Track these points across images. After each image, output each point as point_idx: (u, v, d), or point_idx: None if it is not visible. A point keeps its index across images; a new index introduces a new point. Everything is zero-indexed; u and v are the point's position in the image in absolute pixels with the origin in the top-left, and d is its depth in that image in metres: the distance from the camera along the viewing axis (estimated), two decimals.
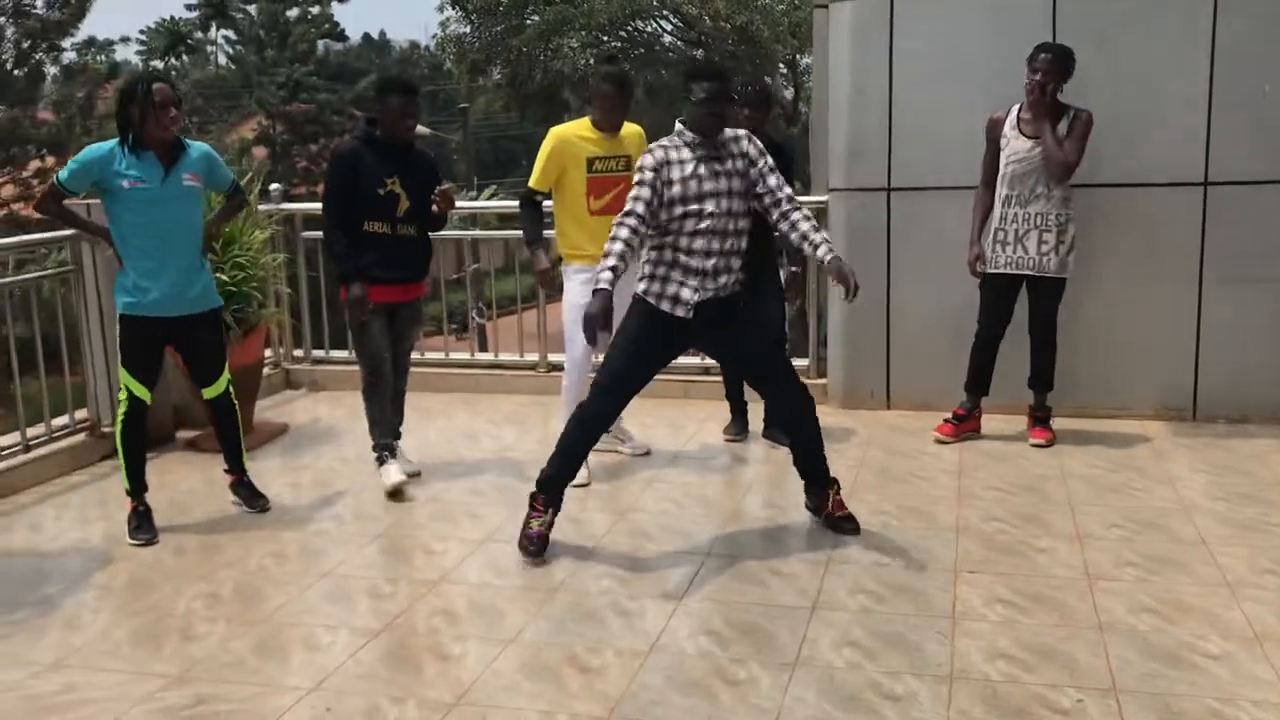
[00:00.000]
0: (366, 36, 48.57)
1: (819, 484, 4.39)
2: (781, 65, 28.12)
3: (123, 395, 4.50)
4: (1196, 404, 5.71)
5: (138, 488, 4.56)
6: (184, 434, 5.84)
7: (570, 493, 4.83)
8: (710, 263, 4.05)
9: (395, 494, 4.86)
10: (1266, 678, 3.16)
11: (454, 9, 28.97)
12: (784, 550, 4.19)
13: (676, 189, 4.00)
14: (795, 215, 4.11)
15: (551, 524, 4.20)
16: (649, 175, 4.00)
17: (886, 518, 4.49)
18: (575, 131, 5.09)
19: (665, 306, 4.08)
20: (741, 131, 4.19)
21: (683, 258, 4.05)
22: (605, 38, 28.86)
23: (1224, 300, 5.60)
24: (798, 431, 4.37)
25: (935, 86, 5.68)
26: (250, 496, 4.79)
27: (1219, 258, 5.58)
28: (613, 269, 3.89)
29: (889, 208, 5.87)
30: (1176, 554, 4.04)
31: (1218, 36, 5.42)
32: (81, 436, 5.54)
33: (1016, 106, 5.26)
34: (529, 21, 27.70)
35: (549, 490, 4.22)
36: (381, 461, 5.00)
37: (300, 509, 4.83)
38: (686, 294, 4.05)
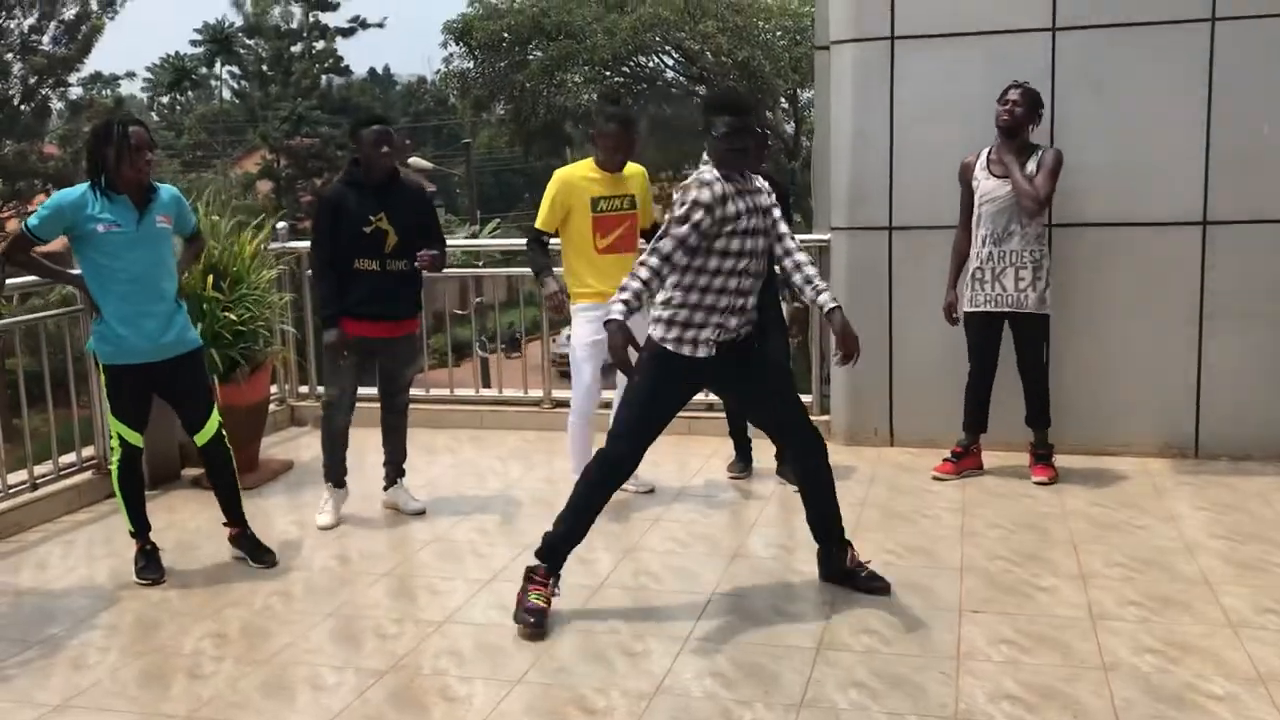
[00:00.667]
0: (371, 71, 48.94)
1: (836, 542, 4.17)
2: (783, 100, 28.34)
3: (115, 442, 4.47)
4: (1198, 442, 5.73)
5: (141, 528, 4.56)
6: (190, 471, 5.87)
7: (474, 526, 4.90)
8: (738, 302, 3.93)
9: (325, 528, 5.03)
10: (1270, 719, 3.17)
11: (458, 45, 29.24)
12: (789, 590, 4.21)
13: (725, 228, 3.82)
14: (799, 255, 4.04)
15: (552, 596, 3.94)
16: (700, 216, 3.78)
17: (891, 556, 4.50)
18: (579, 173, 5.15)
19: (686, 350, 3.91)
20: (758, 179, 4.07)
21: (710, 298, 3.88)
22: (608, 73, 29.11)
23: (1225, 338, 5.64)
24: (813, 479, 4.15)
25: (935, 129, 5.75)
26: (254, 550, 4.64)
27: (1219, 296, 5.62)
28: (625, 303, 3.75)
29: (890, 246, 5.92)
30: (1179, 594, 4.06)
31: (1215, 78, 5.49)
32: (89, 474, 5.58)
33: (987, 149, 5.35)
34: (532, 57, 27.95)
35: (554, 557, 3.98)
36: (329, 486, 5.15)
37: (306, 547, 4.85)
38: (707, 334, 3.91)
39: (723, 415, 5.85)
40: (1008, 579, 4.23)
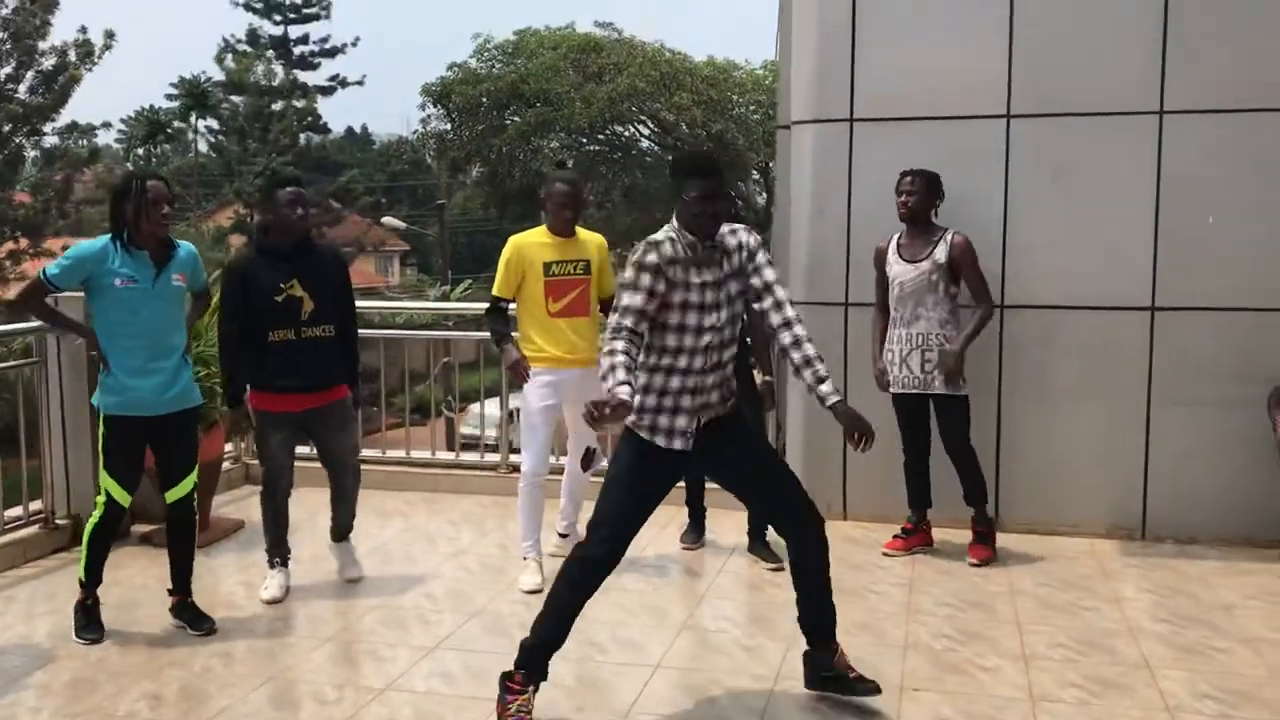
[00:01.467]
0: (349, 130, 49.28)
1: (828, 636, 3.85)
2: (755, 172, 28.76)
3: (100, 499, 4.40)
4: (1145, 524, 5.80)
5: (93, 581, 4.49)
6: (139, 528, 5.81)
7: (521, 598, 4.87)
8: (709, 379, 3.64)
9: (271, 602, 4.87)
10: None
11: (436, 107, 29.52)
12: (733, 664, 4.21)
13: (677, 296, 3.56)
14: (799, 329, 3.69)
15: (532, 704, 3.64)
16: (647, 280, 3.53)
17: (837, 632, 4.50)
18: (532, 238, 5.21)
19: (660, 441, 3.62)
20: (740, 225, 3.81)
21: (677, 380, 3.60)
22: (584, 140, 29.46)
23: (1172, 422, 5.73)
24: (812, 559, 3.81)
25: (892, 209, 5.84)
26: (195, 619, 4.54)
27: (1166, 380, 5.73)
28: (625, 383, 3.43)
29: (846, 321, 6.01)
30: (1119, 676, 4.09)
31: (1163, 169, 5.65)
32: (35, 529, 5.51)
33: (897, 235, 5.50)
34: (509, 122, 28.26)
35: (533, 663, 3.68)
36: (271, 566, 4.98)
37: (252, 609, 4.81)
38: (683, 422, 3.61)
39: (680, 485, 5.86)
40: (951, 658, 4.25)
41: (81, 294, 4.46)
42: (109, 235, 4.34)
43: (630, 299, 3.55)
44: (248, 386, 4.86)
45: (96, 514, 4.43)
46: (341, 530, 5.20)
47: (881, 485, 5.98)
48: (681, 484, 5.82)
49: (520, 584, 5.02)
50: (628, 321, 3.53)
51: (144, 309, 4.31)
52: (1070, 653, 4.31)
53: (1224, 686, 3.99)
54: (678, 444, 3.62)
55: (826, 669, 3.83)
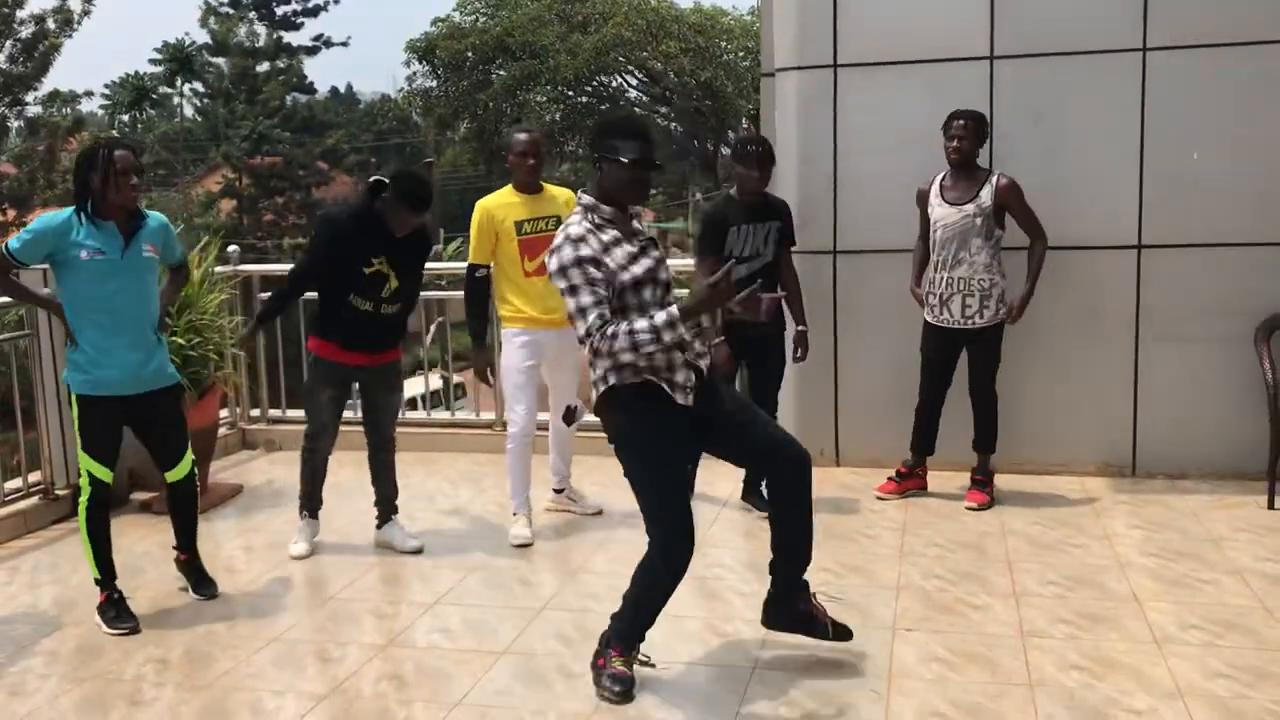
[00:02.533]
0: (334, 90, 48.88)
1: (796, 584, 3.73)
2: (744, 120, 28.58)
3: (84, 481, 4.28)
4: (1135, 461, 5.86)
5: (107, 576, 4.32)
6: (138, 496, 5.87)
7: (518, 552, 4.93)
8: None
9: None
10: None
11: (421, 64, 29.27)
12: (728, 610, 4.27)
13: (627, 276, 3.41)
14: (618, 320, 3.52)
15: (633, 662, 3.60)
16: (592, 272, 3.35)
17: (829, 575, 4.58)
18: (499, 200, 5.21)
19: (679, 397, 3.47)
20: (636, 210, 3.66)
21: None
22: (571, 93, 29.24)
23: (1160, 359, 5.78)
24: (794, 504, 3.68)
25: (878, 155, 5.87)
26: (199, 582, 4.55)
27: (1154, 318, 5.76)
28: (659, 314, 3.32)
29: (835, 270, 6.03)
30: (1108, 611, 4.16)
31: (1146, 108, 5.64)
32: (35, 500, 5.56)
33: (940, 175, 5.47)
34: (495, 76, 28.03)
35: (624, 640, 3.63)
36: (301, 516, 5.08)
37: (252, 572, 4.87)
38: (680, 377, 3.48)
39: None
40: (943, 598, 4.32)
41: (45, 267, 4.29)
42: (73, 207, 4.17)
43: (585, 298, 3.35)
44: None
45: (84, 498, 4.30)
46: (390, 505, 5.15)
47: (874, 431, 6.04)
48: None
49: (511, 537, 5.09)
50: (601, 311, 3.34)
51: (112, 281, 4.13)
52: (1060, 589, 4.38)
53: (1210, 617, 4.07)
54: (679, 397, 3.45)
55: (794, 612, 3.74)
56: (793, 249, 5.44)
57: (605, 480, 5.79)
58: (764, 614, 3.82)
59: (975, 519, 5.27)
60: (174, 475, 4.45)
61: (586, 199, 3.51)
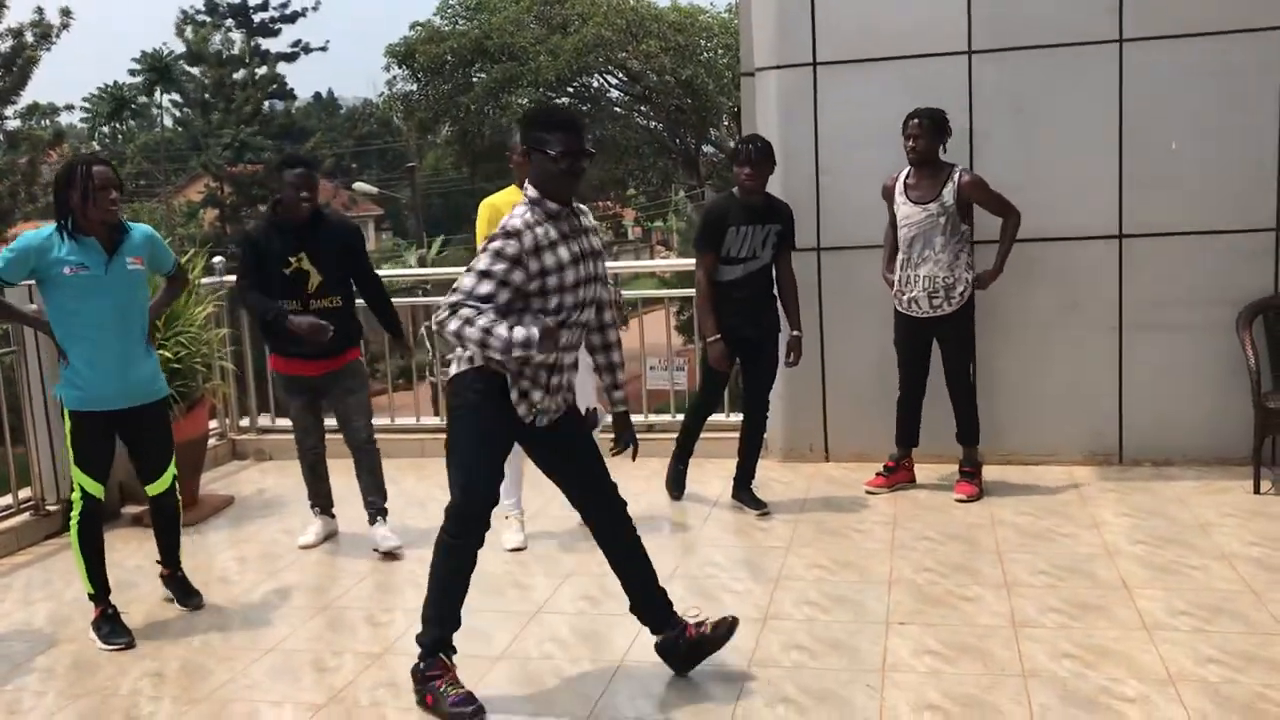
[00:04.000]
0: (316, 95, 48.69)
1: (670, 619, 3.73)
2: (725, 118, 28.61)
3: (76, 495, 4.28)
4: (1122, 449, 5.91)
5: (101, 591, 4.32)
6: (130, 509, 5.86)
7: (511, 556, 4.95)
8: (567, 358, 3.54)
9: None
10: (1178, 719, 3.30)
11: (401, 68, 29.19)
12: (723, 608, 4.28)
13: (551, 281, 3.38)
14: (612, 334, 3.75)
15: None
16: (501, 268, 3.32)
17: (822, 571, 4.61)
18: (505, 198, 5.21)
19: (521, 410, 3.50)
20: (583, 206, 3.63)
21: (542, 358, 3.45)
22: (552, 94, 29.19)
23: (1144, 348, 5.82)
24: (628, 550, 3.74)
25: (860, 151, 5.90)
26: (184, 594, 4.58)
27: (1136, 307, 5.81)
28: (515, 326, 3.32)
29: (819, 266, 6.06)
30: (1098, 599, 4.19)
31: (1125, 99, 5.68)
32: (26, 516, 5.55)
33: (904, 172, 5.50)
34: (476, 79, 27.97)
35: (438, 649, 3.60)
36: (313, 512, 5.29)
37: (246, 583, 4.87)
38: (546, 400, 3.53)
39: (657, 438, 5.93)
40: (934, 590, 4.35)
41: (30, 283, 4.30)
42: (54, 225, 4.17)
43: (476, 283, 3.34)
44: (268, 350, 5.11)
45: (75, 511, 4.29)
46: (376, 507, 5.17)
47: (861, 426, 6.07)
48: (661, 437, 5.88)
49: (504, 543, 5.08)
50: (470, 301, 3.33)
51: (97, 296, 4.13)
52: (1050, 579, 4.41)
53: (1199, 602, 4.11)
54: (521, 409, 3.49)
55: (685, 648, 3.70)
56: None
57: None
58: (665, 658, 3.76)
59: (964, 511, 5.30)
60: (155, 489, 4.47)
61: (532, 193, 3.46)
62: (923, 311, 5.44)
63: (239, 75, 33.12)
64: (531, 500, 5.90)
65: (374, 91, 65.49)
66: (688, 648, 3.70)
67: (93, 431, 4.25)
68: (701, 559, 4.89)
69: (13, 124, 23.17)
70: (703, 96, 27.89)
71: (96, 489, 4.29)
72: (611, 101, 29.97)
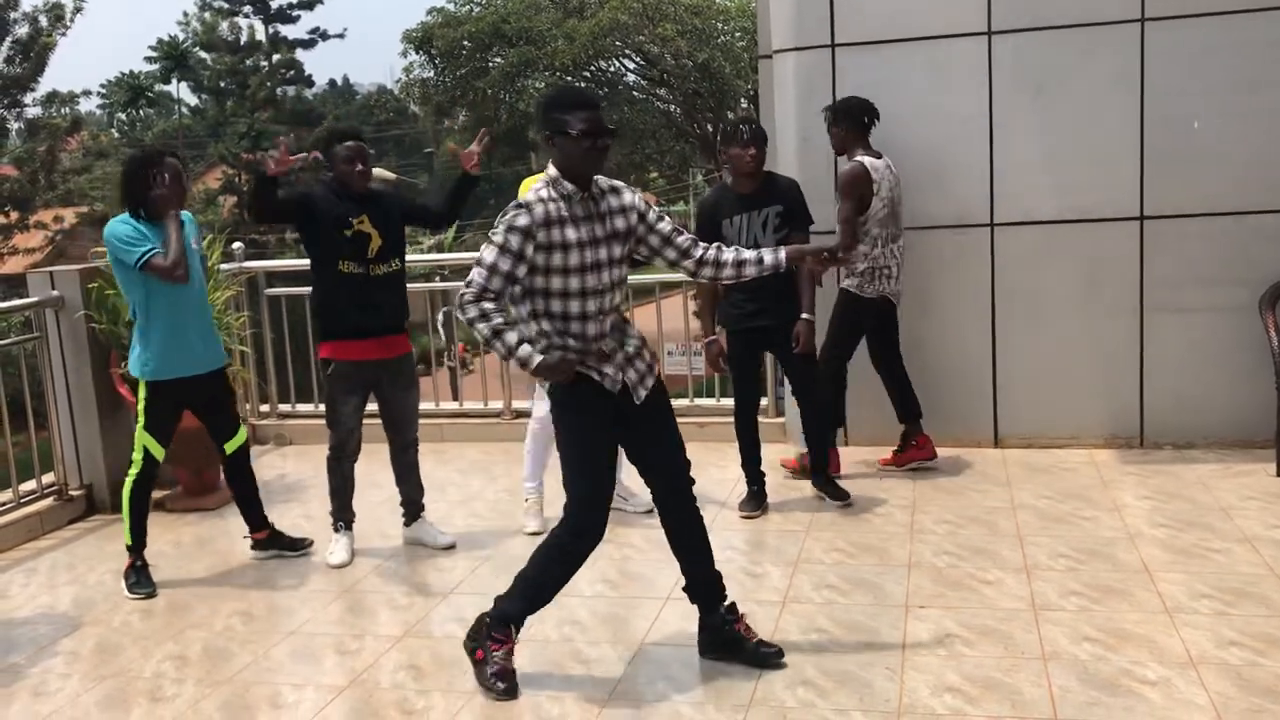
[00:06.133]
0: (331, 82, 48.79)
1: (719, 603, 3.73)
2: (743, 100, 28.53)
3: (138, 455, 4.65)
4: (1143, 431, 5.87)
5: (138, 544, 4.70)
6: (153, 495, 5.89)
7: (531, 541, 4.94)
8: (593, 347, 3.49)
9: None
10: (1200, 702, 3.29)
11: (418, 53, 29.19)
12: (741, 590, 4.28)
13: (556, 259, 3.37)
14: (714, 251, 3.62)
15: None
16: (515, 242, 3.33)
17: (841, 555, 4.61)
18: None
19: (591, 373, 3.49)
20: (621, 184, 3.59)
21: (571, 345, 3.47)
22: (569, 78, 29.15)
23: (1165, 330, 5.78)
24: (688, 524, 3.73)
25: (876, 135, 5.84)
26: (291, 544, 5.00)
27: (1158, 289, 5.76)
28: (524, 342, 3.38)
29: None
30: (1119, 582, 4.18)
31: (1146, 77, 5.63)
32: (49, 501, 5.60)
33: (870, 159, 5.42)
34: (493, 64, 27.95)
35: (512, 622, 3.65)
36: (336, 530, 4.96)
37: (267, 567, 4.90)
38: (610, 369, 3.51)
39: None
40: (953, 574, 4.34)
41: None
42: (126, 214, 4.54)
43: (496, 259, 3.35)
44: (321, 340, 4.87)
45: (134, 470, 4.66)
46: (416, 505, 5.10)
47: (877, 409, 6.03)
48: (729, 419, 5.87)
49: (524, 526, 5.10)
50: (493, 285, 3.35)
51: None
52: (1071, 562, 4.40)
53: (1221, 586, 4.09)
54: (608, 383, 3.49)
55: (724, 636, 3.71)
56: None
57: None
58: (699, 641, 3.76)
59: (983, 494, 5.29)
60: (233, 444, 4.86)
61: (552, 171, 3.46)
62: (892, 290, 5.51)
63: (251, 62, 33.22)
64: (471, 482, 5.94)
65: (391, 78, 65.50)
66: (730, 639, 3.69)
67: (167, 399, 4.64)
68: (721, 542, 4.84)
69: (32, 111, 23.30)
70: (720, 80, 27.79)
71: (159, 452, 4.70)
72: (628, 85, 29.89)
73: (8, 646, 4.20)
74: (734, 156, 5.08)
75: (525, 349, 3.37)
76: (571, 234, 3.40)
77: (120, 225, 4.53)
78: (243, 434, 4.91)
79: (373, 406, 4.94)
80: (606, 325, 3.51)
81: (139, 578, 4.65)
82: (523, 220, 3.36)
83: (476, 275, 3.37)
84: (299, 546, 5.00)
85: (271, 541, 5.00)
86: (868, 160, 5.39)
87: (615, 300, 3.54)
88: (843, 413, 5.76)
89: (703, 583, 3.75)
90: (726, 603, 3.75)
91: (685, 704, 3.46)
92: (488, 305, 3.35)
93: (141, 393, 4.65)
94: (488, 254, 3.37)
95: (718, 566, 3.80)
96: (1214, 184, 5.63)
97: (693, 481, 3.74)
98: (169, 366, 4.59)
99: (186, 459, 5.74)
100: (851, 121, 5.44)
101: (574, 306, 3.44)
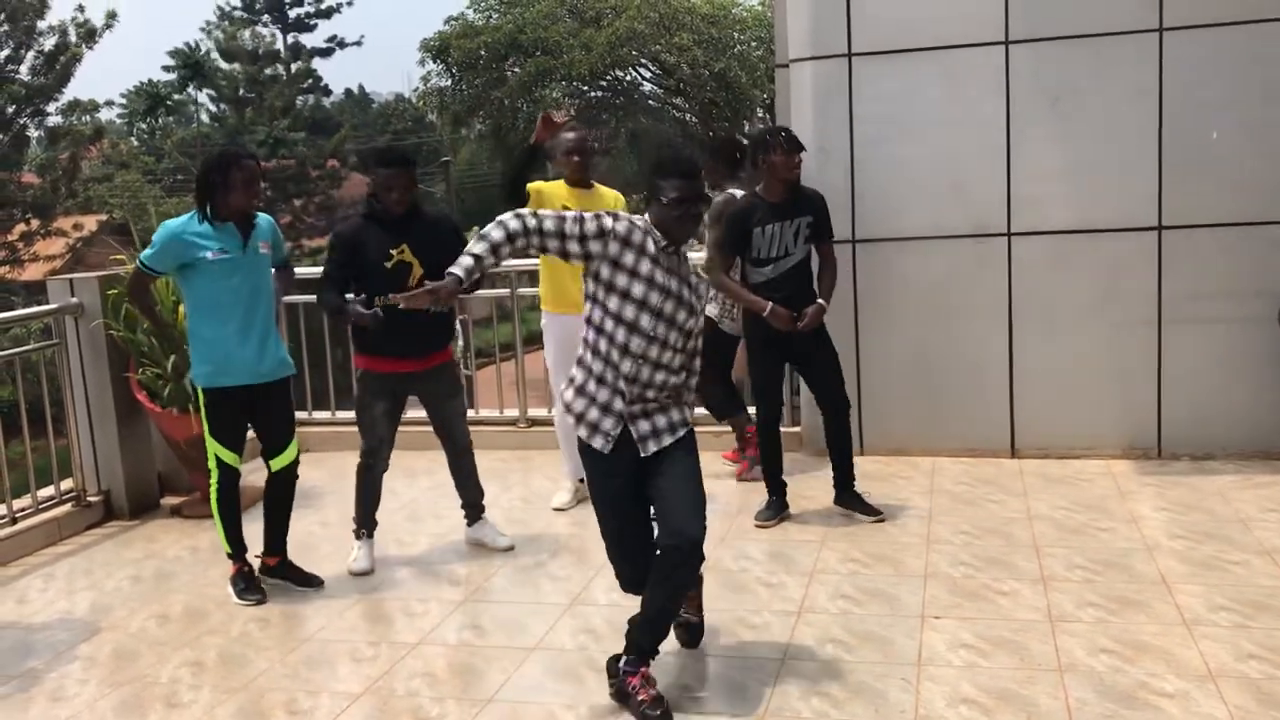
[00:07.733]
0: (348, 91, 48.97)
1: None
2: (760, 109, 28.55)
3: (212, 464, 4.59)
4: (1161, 442, 5.84)
5: (238, 550, 4.66)
6: (169, 500, 5.93)
7: (545, 549, 4.96)
8: (635, 389, 3.44)
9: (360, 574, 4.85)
10: (1218, 716, 3.26)
11: (435, 63, 29.31)
12: (757, 601, 4.29)
13: (621, 281, 3.38)
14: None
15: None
16: (593, 227, 3.36)
17: (857, 565, 4.59)
18: (552, 187, 5.32)
19: (582, 433, 3.53)
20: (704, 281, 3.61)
21: (611, 376, 3.45)
22: (586, 88, 29.24)
23: (1183, 340, 5.75)
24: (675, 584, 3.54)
25: (895, 143, 5.87)
26: (303, 577, 4.72)
27: (1175, 299, 5.74)
28: (477, 257, 3.37)
29: (854, 259, 6.02)
30: (1136, 594, 4.15)
31: (1164, 86, 5.61)
32: (68, 507, 5.63)
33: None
34: (510, 73, 28.04)
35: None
36: (358, 537, 4.95)
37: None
38: (608, 424, 3.47)
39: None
40: (970, 584, 4.32)
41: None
42: (189, 214, 4.48)
43: (562, 219, 3.38)
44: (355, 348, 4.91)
45: (213, 481, 4.61)
46: (476, 507, 5.12)
47: (894, 419, 6.04)
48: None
49: (552, 501, 5.43)
50: (547, 223, 3.37)
51: (235, 277, 4.43)
52: (1088, 573, 4.37)
53: (1240, 598, 4.06)
54: (597, 442, 3.48)
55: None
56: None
57: None
58: None
59: (999, 505, 5.26)
60: (279, 462, 4.71)
61: (652, 218, 3.49)
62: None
63: (270, 71, 33.41)
64: (487, 489, 5.91)
65: (408, 86, 65.82)
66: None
67: (226, 406, 4.54)
68: (735, 552, 4.88)
69: (54, 119, 23.47)
70: (736, 89, 27.82)
71: (232, 459, 4.60)
72: (645, 95, 29.97)
73: (26, 651, 4.22)
74: (777, 164, 4.98)
75: (498, 233, 3.36)
76: (644, 267, 3.40)
77: (165, 225, 4.48)
78: (292, 452, 4.70)
79: (422, 414, 5.02)
80: (644, 373, 3.43)
81: (247, 584, 4.59)
82: (609, 220, 3.41)
83: (531, 218, 3.39)
84: (308, 584, 4.70)
85: (280, 570, 4.74)
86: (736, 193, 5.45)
87: (664, 359, 3.45)
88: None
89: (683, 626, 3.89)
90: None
91: (699, 714, 3.45)
92: (514, 225, 3.36)
93: (200, 399, 4.57)
94: (557, 217, 3.41)
95: (735, 576, 3.80)
96: (1232, 195, 5.61)
97: (701, 556, 3.54)
98: (222, 372, 4.47)
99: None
100: (723, 159, 5.56)
101: (620, 335, 3.40)
